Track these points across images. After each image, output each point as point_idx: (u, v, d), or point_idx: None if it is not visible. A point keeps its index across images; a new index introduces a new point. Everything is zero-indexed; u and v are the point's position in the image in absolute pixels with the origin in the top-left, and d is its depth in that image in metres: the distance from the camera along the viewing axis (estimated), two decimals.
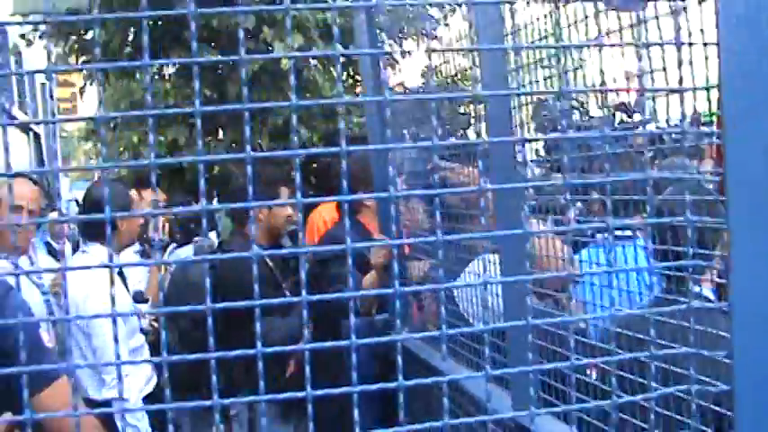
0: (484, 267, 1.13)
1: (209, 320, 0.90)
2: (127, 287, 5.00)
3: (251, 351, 0.91)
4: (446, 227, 3.54)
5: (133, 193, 5.18)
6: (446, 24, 4.07)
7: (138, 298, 5.26)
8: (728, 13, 1.04)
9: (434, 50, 0.94)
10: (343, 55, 0.93)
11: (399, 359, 0.95)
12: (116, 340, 0.98)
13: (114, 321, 0.97)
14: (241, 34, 0.89)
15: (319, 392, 0.93)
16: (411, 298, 4.23)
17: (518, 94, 1.04)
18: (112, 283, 0.97)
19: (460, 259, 3.48)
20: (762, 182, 1.06)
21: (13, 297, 2.55)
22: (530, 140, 1.28)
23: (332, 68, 9.50)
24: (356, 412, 0.92)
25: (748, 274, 1.05)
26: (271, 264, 5.12)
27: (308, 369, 0.93)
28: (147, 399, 4.76)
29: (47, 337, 2.70)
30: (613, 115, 3.17)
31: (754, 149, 1.06)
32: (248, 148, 0.89)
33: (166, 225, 6.11)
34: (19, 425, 1.85)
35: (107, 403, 4.47)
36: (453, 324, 3.29)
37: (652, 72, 1.80)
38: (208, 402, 0.90)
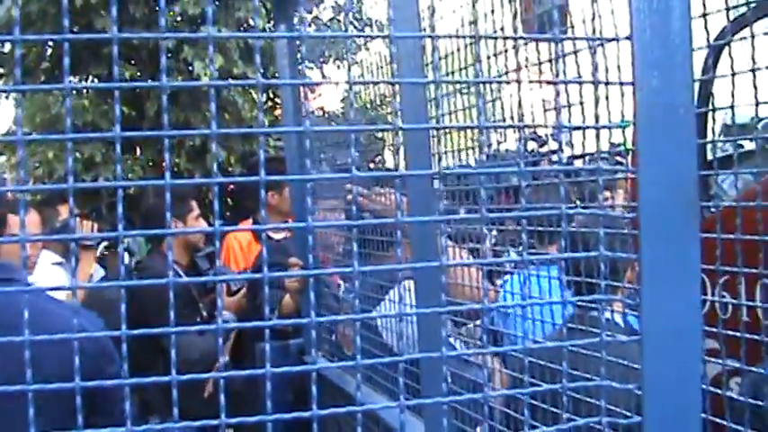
0: (400, 296, 1.13)
1: (124, 347, 0.89)
2: None
3: (165, 378, 0.91)
4: (363, 253, 3.54)
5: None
6: (367, 48, 4.09)
7: None
8: (644, 55, 1.07)
9: (356, 83, 0.95)
10: (266, 85, 0.93)
11: (314, 388, 0.96)
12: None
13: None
14: (164, 60, 0.89)
15: (233, 420, 0.92)
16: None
17: (438, 129, 1.05)
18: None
19: (380, 286, 3.48)
20: (673, 217, 1.08)
21: None
22: (446, 173, 1.29)
23: (251, 90, 9.49)
24: None
25: (658, 307, 1.07)
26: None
27: (222, 397, 0.92)
28: None
29: None
30: (525, 144, 3.22)
31: (666, 186, 1.08)
32: (168, 175, 0.88)
33: (95, 226, 5.96)
34: None
35: None
36: (373, 353, 3.29)
37: (570, 106, 1.84)
38: (121, 429, 0.90)
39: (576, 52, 1.88)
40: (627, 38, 1.10)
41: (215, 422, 0.91)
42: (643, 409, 1.07)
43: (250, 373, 0.95)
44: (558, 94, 1.05)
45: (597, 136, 1.07)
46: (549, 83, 1.09)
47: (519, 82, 0.99)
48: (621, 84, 1.13)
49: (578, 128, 1.16)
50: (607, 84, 1.20)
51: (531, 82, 1.08)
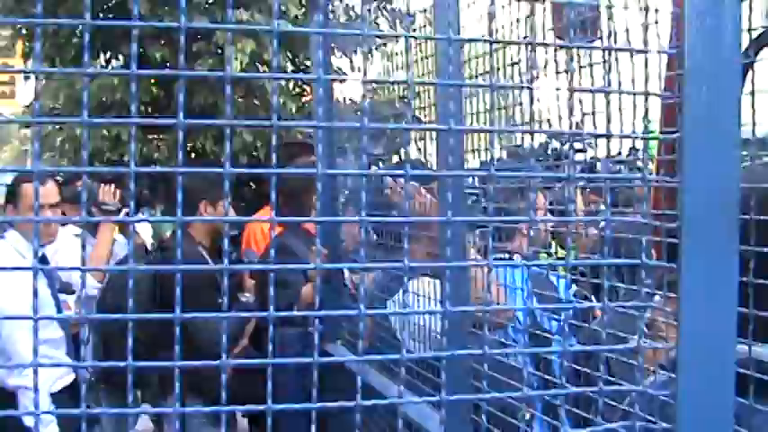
0: (425, 291, 1.14)
1: (177, 330, 0.91)
2: (50, 276, 4.93)
3: (214, 362, 0.93)
4: (387, 244, 3.56)
5: (26, 186, 5.00)
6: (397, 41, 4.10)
7: (65, 289, 5.19)
8: (695, 70, 1.08)
9: (411, 83, 0.95)
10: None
11: (359, 379, 0.98)
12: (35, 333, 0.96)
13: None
14: (230, 51, 0.91)
15: (279, 407, 0.94)
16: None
17: (491, 132, 1.06)
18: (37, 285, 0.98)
19: (398, 277, 3.50)
20: (714, 230, 1.10)
21: None
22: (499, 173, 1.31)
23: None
24: (313, 429, 0.94)
25: (696, 318, 1.09)
26: (211, 263, 5.09)
27: (269, 384, 0.94)
28: (61, 393, 4.72)
29: None
30: (547, 143, 3.24)
31: (709, 199, 1.10)
32: (227, 165, 0.90)
33: (117, 192, 5.98)
34: None
35: (13, 392, 4.50)
36: (387, 342, 3.32)
37: (611, 111, 1.85)
38: (168, 410, 0.92)
39: (616, 59, 1.89)
40: (675, 47, 1.12)
41: (261, 407, 0.93)
42: (677, 417, 1.08)
43: (298, 360, 0.97)
44: (608, 103, 1.07)
45: (645, 146, 1.08)
46: (597, 91, 1.11)
47: (571, 90, 1.01)
48: (670, 98, 1.14)
49: (626, 136, 1.18)
50: (647, 95, 1.21)
51: (576, 91, 1.09)
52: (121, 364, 0.91)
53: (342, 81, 4.29)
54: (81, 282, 0.92)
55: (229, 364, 0.93)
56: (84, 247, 0.96)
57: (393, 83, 3.69)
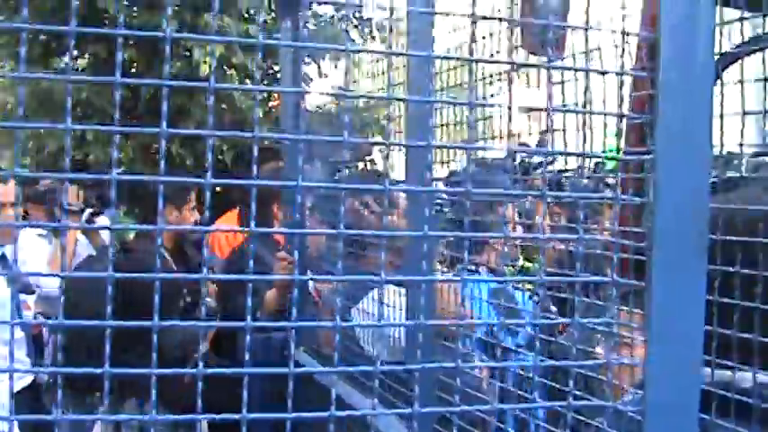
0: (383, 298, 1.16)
1: (154, 338, 0.92)
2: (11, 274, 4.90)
3: (192, 371, 0.93)
4: (353, 252, 3.58)
5: None
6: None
7: (25, 289, 5.16)
8: (669, 88, 1.10)
9: (388, 98, 0.96)
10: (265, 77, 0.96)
11: (333, 392, 0.99)
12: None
13: None
14: (207, 59, 0.92)
15: (253, 416, 0.95)
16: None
17: (477, 149, 1.07)
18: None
19: (363, 285, 3.51)
20: (684, 248, 1.12)
21: None
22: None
23: (248, 81, 9.48)
24: None
25: (665, 335, 1.11)
26: (174, 267, 5.07)
27: (245, 393, 0.95)
28: (20, 394, 4.68)
29: None
30: (514, 154, 3.27)
31: (680, 217, 1.11)
32: (209, 175, 0.91)
33: (80, 193, 5.94)
34: None
35: None
36: (351, 351, 3.32)
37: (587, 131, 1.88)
38: (146, 417, 0.92)
39: (587, 77, 1.91)
40: (644, 68, 1.14)
41: (236, 416, 0.94)
42: (643, 429, 1.10)
43: (276, 370, 0.98)
44: (584, 123, 1.08)
45: (625, 164, 1.10)
46: (575, 112, 1.13)
47: (548, 110, 1.02)
48: (644, 115, 1.16)
49: (599, 156, 1.20)
50: (622, 116, 1.23)
51: (556, 111, 1.10)
52: (98, 370, 0.92)
53: (327, 93, 4.30)
54: (59, 288, 0.92)
55: (206, 373, 0.94)
56: (64, 250, 0.96)
57: (373, 97, 3.72)
